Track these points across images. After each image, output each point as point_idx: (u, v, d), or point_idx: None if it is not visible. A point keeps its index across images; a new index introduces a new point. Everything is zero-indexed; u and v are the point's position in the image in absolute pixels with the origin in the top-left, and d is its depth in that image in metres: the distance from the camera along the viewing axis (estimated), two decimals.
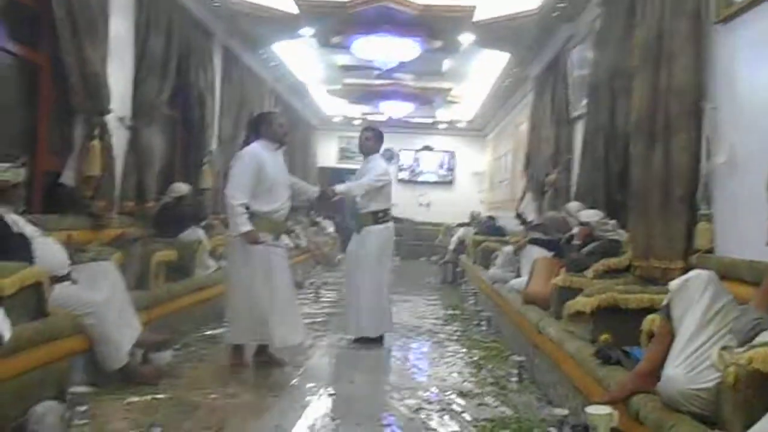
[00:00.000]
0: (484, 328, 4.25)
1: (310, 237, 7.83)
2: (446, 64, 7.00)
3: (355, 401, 2.60)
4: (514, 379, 2.90)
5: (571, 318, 2.45)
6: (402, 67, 6.85)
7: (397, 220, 10.02)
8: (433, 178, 11.46)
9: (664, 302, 1.67)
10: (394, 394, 2.70)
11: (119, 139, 3.62)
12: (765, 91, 2.10)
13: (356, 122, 10.24)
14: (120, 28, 3.66)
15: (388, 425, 2.34)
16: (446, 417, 2.40)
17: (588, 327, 2.32)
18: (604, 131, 3.52)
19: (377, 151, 3.85)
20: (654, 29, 2.65)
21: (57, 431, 1.92)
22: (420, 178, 11.43)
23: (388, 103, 8.48)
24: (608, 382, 1.86)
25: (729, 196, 2.28)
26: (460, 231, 7.37)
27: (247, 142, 3.30)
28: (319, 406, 2.53)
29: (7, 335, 1.81)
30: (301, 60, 6.95)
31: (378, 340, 3.72)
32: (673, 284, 1.65)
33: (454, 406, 2.53)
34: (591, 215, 3.16)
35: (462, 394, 2.69)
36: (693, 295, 1.56)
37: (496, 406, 2.54)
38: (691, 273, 1.65)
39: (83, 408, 1.97)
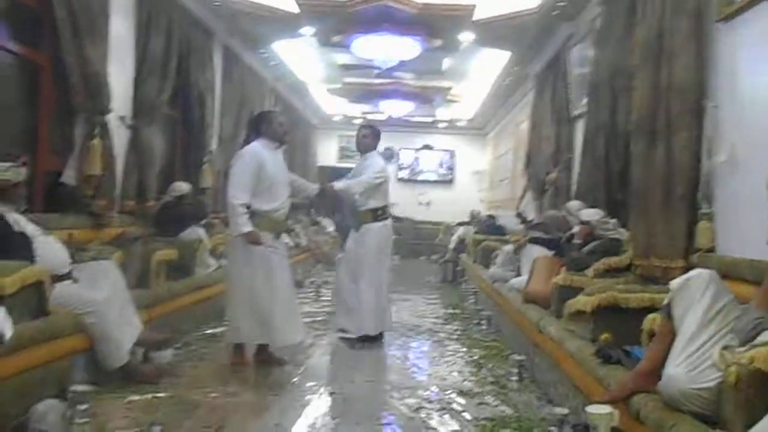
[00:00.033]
0: (484, 327, 4.25)
1: (311, 236, 7.83)
2: (446, 62, 7.00)
3: (355, 400, 2.60)
4: (515, 378, 2.90)
5: (571, 317, 2.45)
6: (402, 66, 6.84)
7: (397, 219, 10.03)
8: (433, 177, 11.45)
9: (665, 301, 1.67)
10: (394, 393, 2.70)
11: (120, 139, 3.63)
12: (766, 90, 2.10)
13: (356, 121, 10.22)
14: (120, 27, 3.66)
15: (388, 424, 2.35)
16: (446, 416, 2.41)
17: (588, 326, 2.32)
18: (604, 130, 3.52)
19: (374, 148, 3.86)
20: (655, 28, 2.65)
21: (58, 430, 1.92)
22: (420, 177, 11.43)
23: (388, 102, 8.48)
24: (609, 381, 1.86)
25: (730, 194, 2.28)
26: (460, 230, 7.37)
27: (247, 141, 3.31)
28: (319, 405, 2.53)
29: (9, 334, 1.82)
30: (301, 59, 6.95)
31: (378, 338, 3.73)
32: (674, 283, 1.65)
33: (455, 405, 2.53)
34: (591, 214, 3.16)
35: (462, 393, 2.69)
36: (694, 295, 1.56)
37: (496, 405, 2.54)
38: (692, 272, 1.65)
39: (84, 406, 1.97)
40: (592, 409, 1.69)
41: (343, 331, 3.78)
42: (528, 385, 2.82)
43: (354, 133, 4.04)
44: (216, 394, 2.55)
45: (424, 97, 8.34)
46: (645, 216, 2.66)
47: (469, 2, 5.00)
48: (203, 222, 4.34)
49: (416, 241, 10.25)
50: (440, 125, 10.93)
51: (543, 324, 2.75)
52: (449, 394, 2.70)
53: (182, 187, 4.25)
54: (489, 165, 10.60)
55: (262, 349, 3.10)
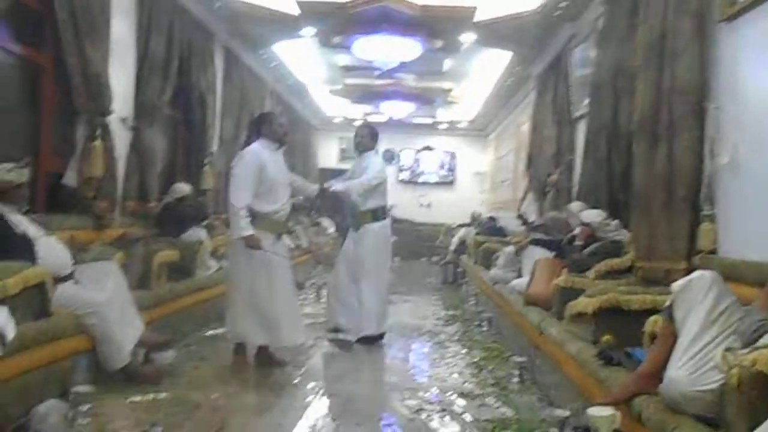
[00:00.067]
0: (485, 328, 4.25)
1: (311, 237, 7.84)
2: (447, 63, 7.00)
3: (356, 401, 2.60)
4: (515, 379, 2.90)
5: (572, 319, 2.45)
6: (403, 67, 6.85)
7: (397, 220, 10.02)
8: (433, 178, 11.45)
9: (667, 303, 1.67)
10: (394, 394, 2.70)
11: (121, 140, 3.63)
12: None
13: (357, 123, 10.23)
14: (122, 29, 3.67)
15: (389, 425, 2.35)
16: (447, 418, 2.40)
17: (590, 328, 2.31)
18: (606, 131, 3.52)
19: (372, 149, 3.86)
20: (657, 28, 2.64)
21: (60, 430, 1.92)
22: (421, 179, 11.42)
23: (389, 103, 8.48)
24: (610, 383, 1.86)
25: (732, 196, 2.27)
26: (461, 231, 7.37)
27: (248, 142, 3.31)
28: (319, 406, 2.53)
29: (11, 335, 1.82)
30: (301, 60, 6.96)
31: (378, 339, 3.73)
32: (676, 285, 1.65)
33: (455, 407, 2.53)
34: (593, 216, 3.16)
35: (463, 395, 2.69)
36: (696, 296, 1.56)
37: (497, 407, 2.53)
38: (695, 274, 1.65)
39: (86, 407, 1.98)
40: (594, 411, 1.68)
41: (336, 330, 3.78)
42: (529, 387, 2.82)
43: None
44: (217, 394, 2.55)
45: (424, 98, 8.34)
46: (647, 217, 2.65)
47: (471, 3, 5.00)
48: (204, 223, 4.34)
49: (417, 242, 10.24)
50: (441, 126, 10.93)
51: (544, 326, 2.75)
52: (450, 395, 2.69)
53: (183, 188, 4.25)
54: (490, 166, 10.60)
55: (262, 350, 3.10)
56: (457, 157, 11.42)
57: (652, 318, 1.87)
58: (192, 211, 4.24)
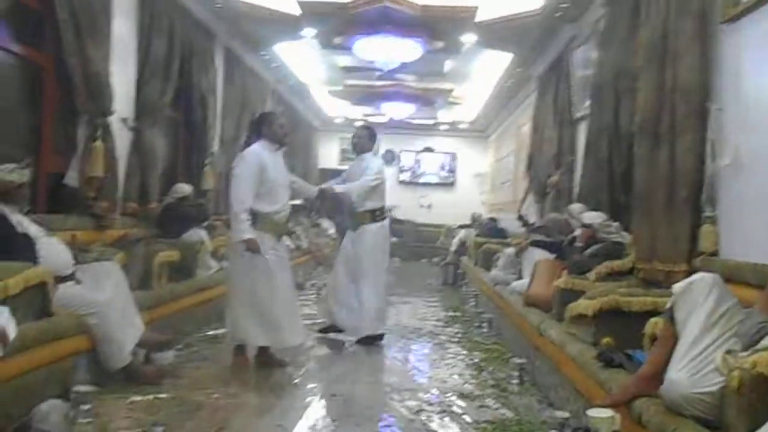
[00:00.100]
0: (485, 330, 4.25)
1: (312, 238, 7.84)
2: (448, 64, 7.00)
3: (356, 402, 2.60)
4: (515, 381, 2.90)
5: (572, 320, 2.45)
6: (404, 68, 6.85)
7: (398, 221, 9.96)
8: (434, 179, 11.45)
9: (668, 305, 1.67)
10: (394, 395, 2.70)
11: (122, 141, 3.64)
12: None
13: (358, 123, 10.24)
14: (123, 29, 3.67)
15: (389, 426, 2.34)
16: (447, 419, 2.40)
17: (590, 330, 2.32)
18: (607, 132, 3.52)
19: (370, 149, 3.88)
20: (659, 29, 2.64)
21: (61, 430, 1.92)
22: (421, 180, 11.42)
23: (390, 104, 8.48)
24: (610, 385, 1.86)
25: (734, 197, 2.27)
26: (462, 232, 7.36)
27: (248, 143, 3.32)
28: (320, 406, 2.53)
29: (12, 335, 1.82)
30: (302, 61, 6.96)
31: (378, 339, 3.73)
32: (677, 287, 1.65)
33: (455, 408, 2.53)
34: (594, 217, 3.16)
35: (462, 396, 2.69)
36: (697, 298, 1.56)
37: (496, 409, 2.53)
38: (695, 276, 1.65)
39: (87, 407, 1.98)
40: (594, 412, 1.68)
41: (328, 330, 3.78)
42: (529, 389, 2.82)
43: None
44: (217, 395, 2.55)
45: (425, 99, 8.34)
46: (648, 219, 2.65)
47: (472, 3, 5.00)
48: (205, 224, 4.34)
49: (417, 243, 10.25)
50: (442, 127, 10.93)
51: (544, 327, 2.75)
52: (450, 396, 2.69)
53: (184, 188, 4.26)
54: (490, 167, 10.60)
55: (263, 350, 3.10)
56: (458, 158, 11.42)
57: (653, 320, 1.87)
58: (193, 211, 4.24)
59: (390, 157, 11.14)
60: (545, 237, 3.90)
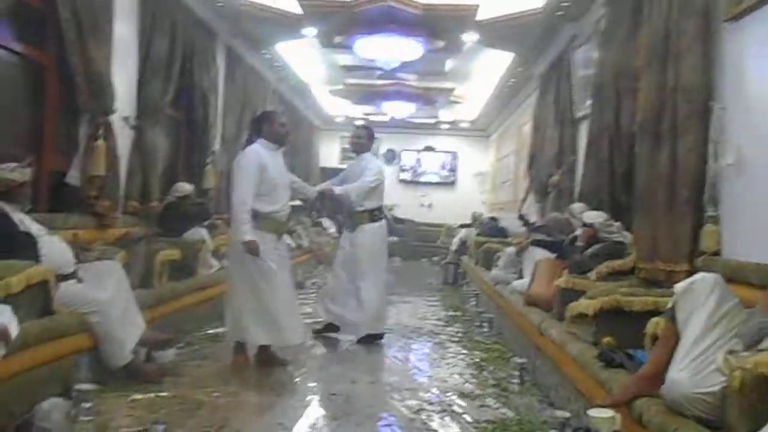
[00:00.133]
0: (485, 329, 4.25)
1: (312, 237, 7.84)
2: (449, 63, 7.00)
3: (356, 401, 2.60)
4: (516, 381, 2.90)
5: (573, 320, 2.45)
6: (405, 67, 6.85)
7: (398, 220, 9.96)
8: (435, 178, 11.45)
9: (669, 305, 1.67)
10: (394, 394, 2.70)
11: (124, 139, 3.64)
12: None
13: (357, 123, 10.24)
14: (124, 28, 3.67)
15: (389, 425, 2.35)
16: (447, 418, 2.40)
17: (591, 329, 2.31)
18: (608, 132, 3.51)
19: (369, 149, 3.88)
20: (661, 28, 2.63)
21: (62, 428, 1.93)
22: (422, 179, 11.42)
23: (391, 103, 8.48)
24: (611, 384, 1.86)
25: (736, 197, 2.27)
26: (462, 232, 7.37)
27: (249, 142, 3.32)
28: (320, 405, 2.54)
29: (14, 333, 1.82)
30: (303, 60, 6.97)
31: (378, 338, 3.73)
32: (679, 287, 1.65)
33: (455, 408, 2.53)
34: (595, 217, 3.16)
35: (463, 396, 2.69)
36: (698, 298, 1.56)
37: (497, 408, 2.53)
38: (697, 276, 1.65)
39: (88, 405, 1.98)
40: (594, 412, 1.68)
41: (329, 328, 3.78)
42: (529, 388, 2.82)
43: None
44: (218, 393, 2.56)
45: (426, 98, 8.34)
46: (649, 219, 2.65)
47: (473, 2, 5.00)
48: (206, 223, 4.34)
49: (418, 243, 10.25)
50: (443, 127, 10.93)
51: (545, 327, 2.75)
52: (450, 396, 2.70)
53: (185, 187, 4.26)
54: (491, 167, 10.59)
55: (263, 349, 3.10)
56: (459, 158, 11.42)
57: (654, 320, 1.87)
58: (194, 210, 4.24)
59: (391, 157, 11.14)
60: (546, 236, 3.90)
